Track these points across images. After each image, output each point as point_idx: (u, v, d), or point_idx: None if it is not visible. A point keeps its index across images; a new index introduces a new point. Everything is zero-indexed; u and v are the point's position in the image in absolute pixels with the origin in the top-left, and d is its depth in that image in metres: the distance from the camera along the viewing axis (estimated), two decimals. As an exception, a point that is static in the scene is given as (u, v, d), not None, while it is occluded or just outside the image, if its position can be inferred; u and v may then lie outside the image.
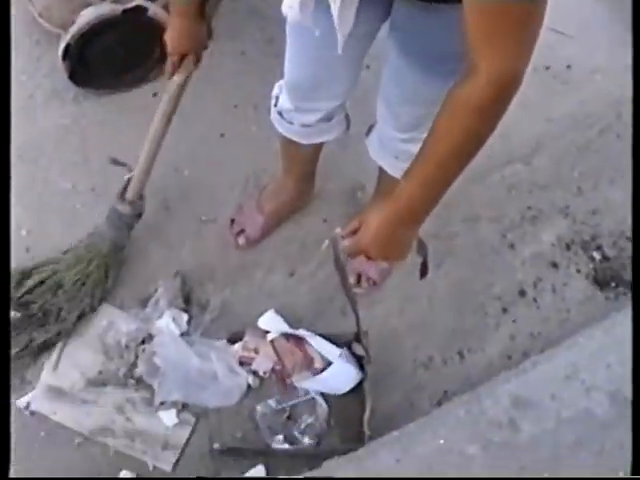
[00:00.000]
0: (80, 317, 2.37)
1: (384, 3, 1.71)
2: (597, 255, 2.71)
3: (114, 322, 2.40)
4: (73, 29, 2.57)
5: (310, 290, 2.54)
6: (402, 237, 1.49)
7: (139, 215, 2.40)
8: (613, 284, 2.64)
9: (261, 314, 2.41)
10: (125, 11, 2.60)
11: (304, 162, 2.46)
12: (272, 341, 2.35)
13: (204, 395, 2.28)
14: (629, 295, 2.59)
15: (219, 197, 2.68)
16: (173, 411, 2.26)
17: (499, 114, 1.29)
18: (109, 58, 2.77)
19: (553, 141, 2.99)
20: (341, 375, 2.30)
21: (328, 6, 1.53)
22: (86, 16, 2.57)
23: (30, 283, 2.36)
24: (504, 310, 2.57)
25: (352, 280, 2.49)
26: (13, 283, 2.35)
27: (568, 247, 2.72)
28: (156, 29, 2.72)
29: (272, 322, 2.39)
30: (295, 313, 2.47)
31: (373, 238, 1.47)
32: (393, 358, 2.43)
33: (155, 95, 2.89)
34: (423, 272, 1.70)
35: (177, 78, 2.06)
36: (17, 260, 2.46)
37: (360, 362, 2.32)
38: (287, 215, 2.63)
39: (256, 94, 2.86)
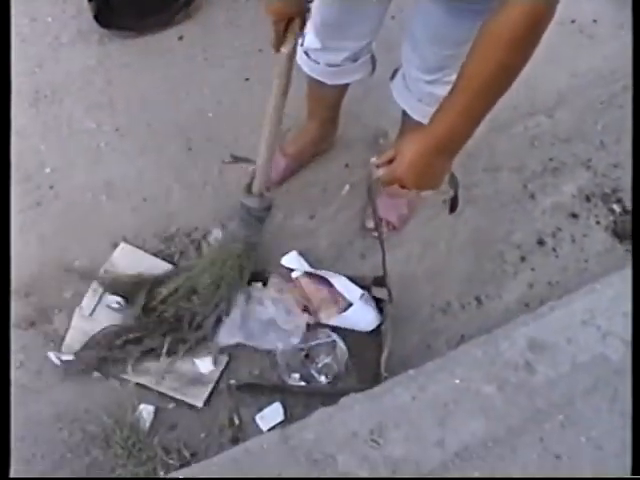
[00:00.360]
0: (217, 322, 2.32)
1: None
2: (617, 208, 2.70)
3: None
4: (100, -31, 2.59)
5: (330, 233, 2.55)
6: (437, 167, 1.50)
7: (269, 208, 2.28)
8: (633, 236, 2.64)
9: (282, 256, 2.44)
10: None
11: (328, 104, 2.46)
12: (297, 279, 2.37)
13: (265, 338, 2.30)
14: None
15: (242, 140, 2.69)
16: (209, 359, 2.28)
17: (532, 46, 1.30)
18: (134, 0, 2.77)
19: (577, 95, 2.98)
20: (362, 316, 2.32)
21: None
22: (113, -43, 2.58)
23: (164, 292, 2.32)
24: (523, 258, 2.58)
25: (372, 225, 2.51)
26: (144, 291, 2.31)
27: (588, 199, 2.72)
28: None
29: (295, 262, 2.42)
30: (315, 255, 2.49)
31: (408, 167, 1.48)
32: (411, 302, 2.44)
33: (180, 38, 2.90)
34: (453, 206, 1.71)
35: (285, 49, 1.85)
36: (41, 197, 2.50)
37: (379, 306, 2.34)
38: (309, 158, 2.64)
39: (281, 39, 2.86)
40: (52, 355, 2.23)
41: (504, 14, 1.25)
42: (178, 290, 2.31)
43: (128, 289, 2.33)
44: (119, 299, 2.32)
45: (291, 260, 2.42)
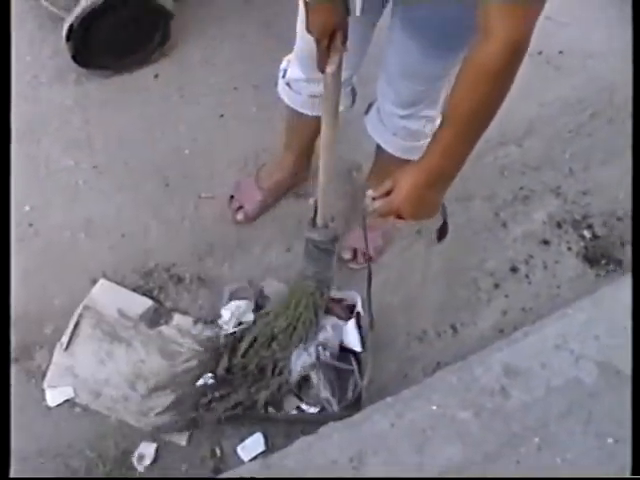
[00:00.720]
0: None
1: None
2: (587, 234, 2.76)
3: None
4: (77, 10, 2.62)
5: (307, 265, 2.57)
6: (431, 199, 1.56)
7: (336, 238, 2.15)
8: (603, 261, 2.69)
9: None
10: (128, -7, 2.65)
11: (307, 137, 2.48)
12: None
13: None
14: (619, 272, 2.65)
15: (218, 176, 2.73)
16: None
17: (512, 77, 1.35)
18: (112, 40, 2.81)
19: (545, 124, 3.05)
20: (353, 334, 2.34)
21: None
22: (90, -2, 2.61)
23: (243, 346, 2.29)
24: (496, 285, 2.63)
25: (348, 256, 2.55)
26: (228, 350, 2.30)
27: (559, 225, 2.77)
28: (158, 12, 2.78)
29: None
30: (292, 287, 2.51)
31: (405, 199, 1.54)
32: (388, 331, 2.47)
33: (156, 77, 2.95)
34: (442, 233, 1.77)
35: (330, 69, 1.74)
36: (22, 234, 2.52)
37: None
38: (285, 192, 2.67)
39: (256, 75, 2.93)
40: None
41: (486, 48, 1.31)
42: (257, 339, 2.29)
43: (212, 362, 2.32)
44: (210, 374, 2.30)
45: None
